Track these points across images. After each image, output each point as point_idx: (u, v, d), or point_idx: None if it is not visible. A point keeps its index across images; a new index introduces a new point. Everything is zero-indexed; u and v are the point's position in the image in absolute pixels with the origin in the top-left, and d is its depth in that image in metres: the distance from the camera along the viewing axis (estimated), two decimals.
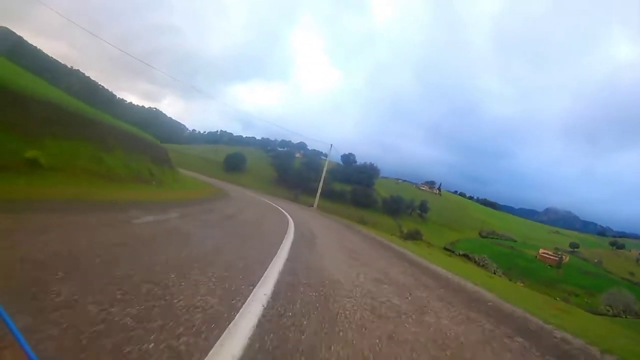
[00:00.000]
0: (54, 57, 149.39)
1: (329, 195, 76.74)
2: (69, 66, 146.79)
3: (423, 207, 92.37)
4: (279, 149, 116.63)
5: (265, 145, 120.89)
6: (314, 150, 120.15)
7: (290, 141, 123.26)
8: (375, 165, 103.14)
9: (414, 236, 55.15)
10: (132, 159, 13.43)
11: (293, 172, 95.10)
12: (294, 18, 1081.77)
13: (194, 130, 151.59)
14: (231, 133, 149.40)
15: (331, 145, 31.74)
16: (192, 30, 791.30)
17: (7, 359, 1.44)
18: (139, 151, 15.03)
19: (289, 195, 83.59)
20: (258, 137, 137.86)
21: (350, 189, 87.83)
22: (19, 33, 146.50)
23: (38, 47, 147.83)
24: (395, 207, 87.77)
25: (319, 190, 33.63)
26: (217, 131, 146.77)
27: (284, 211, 19.31)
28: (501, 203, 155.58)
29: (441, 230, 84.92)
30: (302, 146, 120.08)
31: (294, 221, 13.46)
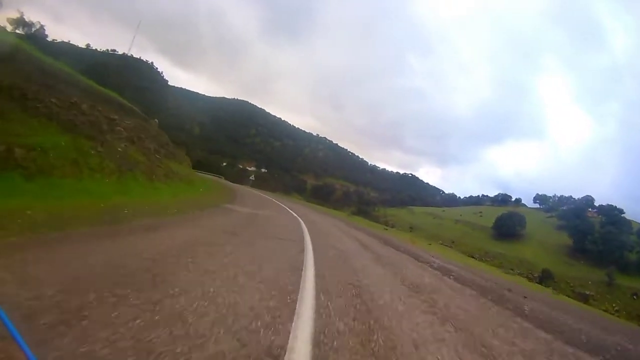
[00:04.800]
0: (299, 127, 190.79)
1: None
2: (314, 134, 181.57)
3: None
4: (563, 208, 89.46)
5: (540, 203, 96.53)
6: (607, 205, 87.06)
7: (570, 197, 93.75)
8: None
9: None
10: None
11: (596, 238, 68.04)
12: (534, 64, 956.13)
13: (452, 194, 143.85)
14: (495, 196, 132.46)
15: None
16: (436, 91, 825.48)
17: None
18: None
19: (597, 277, 57.92)
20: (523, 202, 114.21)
21: None
22: (260, 106, 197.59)
23: (283, 119, 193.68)
24: None
25: None
26: (479, 195, 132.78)
27: None
28: None
29: None
30: (587, 201, 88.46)
31: None
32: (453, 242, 66.57)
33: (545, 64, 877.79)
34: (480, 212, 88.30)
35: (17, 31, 38.37)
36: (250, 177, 79.18)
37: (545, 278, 51.84)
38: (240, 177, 74.16)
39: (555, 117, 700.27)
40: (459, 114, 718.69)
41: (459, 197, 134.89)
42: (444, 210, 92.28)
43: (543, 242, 69.61)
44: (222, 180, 48.81)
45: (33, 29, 42.50)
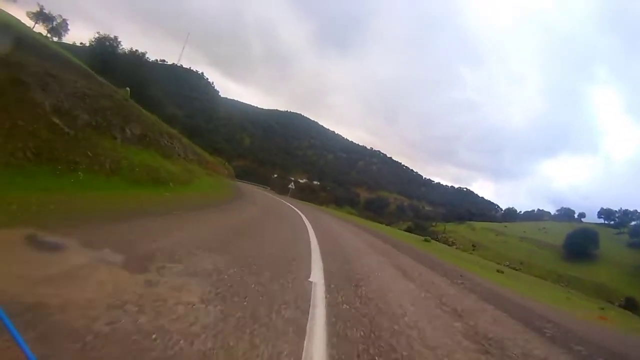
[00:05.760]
0: (352, 140, 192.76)
1: None
2: (368, 147, 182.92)
3: None
4: (632, 223, 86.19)
5: (605, 218, 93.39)
6: None
7: (636, 210, 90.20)
8: None
9: None
10: None
11: None
12: (587, 74, 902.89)
13: (512, 208, 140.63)
14: (549, 212, 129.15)
15: None
16: (488, 103, 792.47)
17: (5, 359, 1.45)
18: None
19: None
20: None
21: None
22: (313, 119, 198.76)
23: (336, 132, 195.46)
24: None
25: None
26: (534, 210, 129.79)
27: None
28: None
29: None
30: None
31: None
32: (521, 263, 65.57)
33: (598, 73, 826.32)
34: (544, 228, 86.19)
35: (37, 24, 37.03)
36: (290, 186, 74.68)
37: (629, 308, 49.73)
38: (287, 189, 71.85)
39: (609, 129, 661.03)
40: (512, 126, 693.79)
41: (517, 211, 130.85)
42: (505, 226, 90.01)
43: (617, 262, 66.83)
44: (258, 189, 45.21)
45: (54, 23, 40.39)
